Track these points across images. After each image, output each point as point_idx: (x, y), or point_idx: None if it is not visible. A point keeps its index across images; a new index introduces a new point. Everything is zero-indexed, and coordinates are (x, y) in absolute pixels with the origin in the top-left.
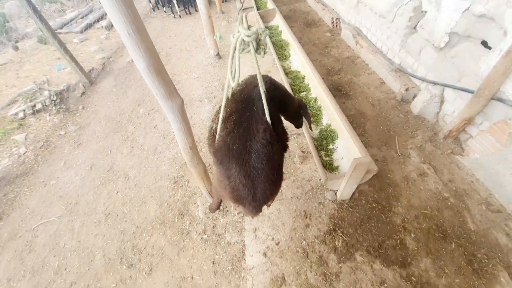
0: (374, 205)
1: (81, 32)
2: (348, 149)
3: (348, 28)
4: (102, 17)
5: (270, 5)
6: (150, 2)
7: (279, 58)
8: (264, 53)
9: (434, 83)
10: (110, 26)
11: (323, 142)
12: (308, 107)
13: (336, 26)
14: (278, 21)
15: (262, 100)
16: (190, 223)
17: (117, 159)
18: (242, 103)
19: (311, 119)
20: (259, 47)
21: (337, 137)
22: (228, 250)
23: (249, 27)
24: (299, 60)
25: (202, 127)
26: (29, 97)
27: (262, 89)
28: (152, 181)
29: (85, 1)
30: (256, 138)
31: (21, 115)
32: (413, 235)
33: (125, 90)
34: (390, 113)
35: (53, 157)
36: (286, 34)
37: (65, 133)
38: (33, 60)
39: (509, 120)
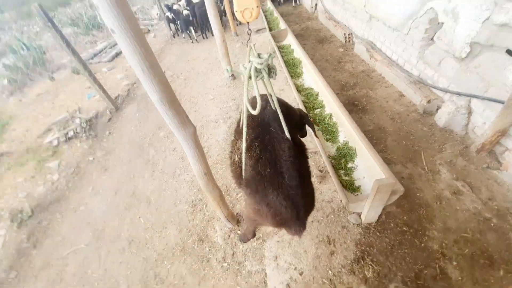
0: (404, 228)
1: (110, 61)
2: (369, 168)
3: (361, 43)
4: None
5: (282, 25)
6: (171, 29)
7: (291, 76)
8: (275, 75)
9: (459, 94)
10: None
11: (341, 161)
12: (323, 123)
13: (349, 41)
14: (290, 40)
15: (277, 120)
16: (209, 249)
17: (140, 184)
18: (259, 127)
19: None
20: (270, 71)
21: (356, 155)
22: (250, 280)
23: (259, 55)
24: (311, 77)
25: (219, 148)
26: (63, 125)
27: (278, 110)
28: (171, 205)
29: (107, 30)
30: (284, 158)
31: (55, 142)
32: (454, 263)
33: (146, 114)
34: (412, 126)
35: (83, 183)
36: (298, 52)
37: (93, 158)
38: (67, 89)
39: None
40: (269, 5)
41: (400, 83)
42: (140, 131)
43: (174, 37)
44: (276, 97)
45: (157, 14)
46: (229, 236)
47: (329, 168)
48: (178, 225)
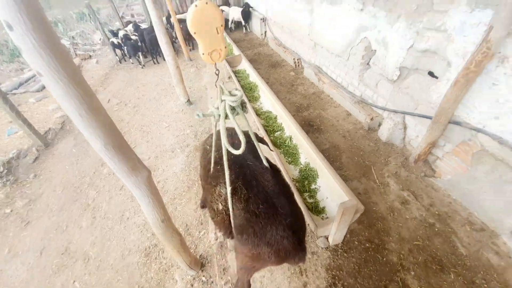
0: (367, 244)
1: (39, 90)
2: (331, 188)
3: (310, 67)
4: None
5: (236, 51)
6: (117, 54)
7: (249, 100)
8: (247, 109)
9: (395, 112)
10: None
11: (305, 183)
12: (284, 146)
13: (299, 65)
14: (244, 65)
15: (250, 152)
16: None
17: (75, 236)
18: (236, 165)
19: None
20: (243, 106)
21: (318, 175)
22: None
23: (230, 93)
24: (268, 101)
25: (176, 181)
26: None
27: (256, 142)
28: (118, 259)
29: None
30: (270, 188)
31: None
32: (412, 273)
33: (86, 149)
34: (361, 142)
35: None
36: (254, 77)
37: (11, 210)
38: None
39: (469, 141)
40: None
41: (346, 103)
42: (78, 169)
43: (120, 63)
44: (239, 128)
45: (100, 39)
46: (192, 285)
47: (295, 193)
48: (127, 283)
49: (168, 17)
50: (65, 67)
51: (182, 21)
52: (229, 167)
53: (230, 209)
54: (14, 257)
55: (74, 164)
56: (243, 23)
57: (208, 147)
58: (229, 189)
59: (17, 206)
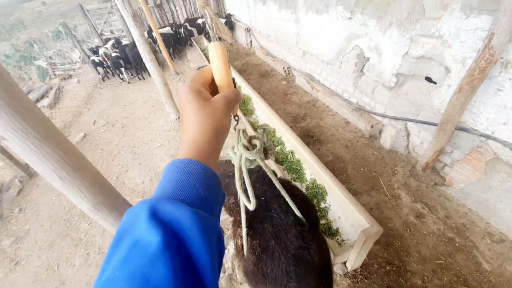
0: (388, 267)
1: None
2: (342, 206)
3: (301, 75)
4: (43, 95)
5: None
6: (99, 72)
7: (244, 114)
8: (274, 155)
9: (395, 118)
10: (53, 105)
11: (314, 202)
12: (286, 162)
13: (289, 74)
14: (235, 77)
15: (277, 199)
16: None
17: (68, 277)
18: (256, 219)
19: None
20: (266, 153)
21: (326, 193)
22: None
23: (250, 142)
24: (264, 113)
25: None
26: None
27: (282, 190)
28: None
29: (22, 81)
30: (292, 251)
31: None
32: None
33: None
34: (364, 152)
35: None
36: (245, 89)
37: None
38: None
39: (480, 149)
40: (206, 43)
41: (343, 110)
42: (66, 200)
43: (103, 81)
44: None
45: (79, 58)
46: None
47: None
48: None
49: (150, 31)
50: (35, 125)
51: (163, 34)
52: (247, 220)
53: (245, 248)
54: None
55: (62, 195)
56: None
57: (226, 179)
58: (244, 230)
59: (3, 245)
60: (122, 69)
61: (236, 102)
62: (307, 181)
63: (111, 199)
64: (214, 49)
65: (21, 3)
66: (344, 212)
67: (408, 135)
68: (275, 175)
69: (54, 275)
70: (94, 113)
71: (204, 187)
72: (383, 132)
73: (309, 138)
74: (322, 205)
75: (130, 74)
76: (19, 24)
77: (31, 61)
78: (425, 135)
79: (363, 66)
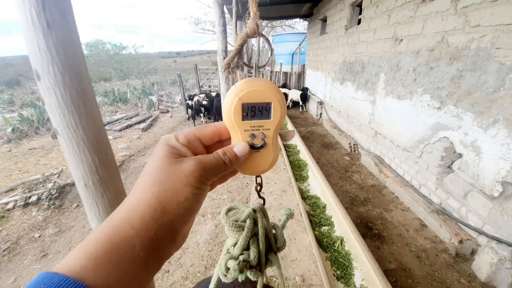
0: None
1: (119, 130)
2: None
3: (369, 155)
4: (144, 120)
5: (290, 127)
6: (187, 113)
7: (296, 178)
8: (284, 246)
9: (499, 241)
10: (146, 128)
11: None
12: (332, 250)
13: (355, 150)
14: (296, 141)
15: None
16: None
17: None
18: None
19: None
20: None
21: None
22: None
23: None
24: (318, 185)
25: (196, 254)
26: (29, 187)
27: None
28: None
29: (136, 107)
30: None
31: (10, 205)
32: None
33: (129, 189)
34: (446, 274)
35: (9, 267)
36: (304, 154)
37: (39, 236)
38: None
39: None
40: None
41: (419, 208)
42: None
43: (188, 119)
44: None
45: (179, 100)
46: None
47: None
48: None
49: None
50: (87, 127)
51: None
52: None
53: None
54: None
55: None
56: (301, 103)
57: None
58: None
59: (46, 233)
60: (201, 114)
61: (220, 170)
62: (354, 286)
63: None
64: (235, 86)
65: (161, 57)
66: None
67: None
68: None
69: None
70: None
71: None
72: (477, 254)
73: (367, 230)
74: None
75: (207, 118)
76: (153, 70)
77: (147, 95)
78: None
79: (452, 162)
